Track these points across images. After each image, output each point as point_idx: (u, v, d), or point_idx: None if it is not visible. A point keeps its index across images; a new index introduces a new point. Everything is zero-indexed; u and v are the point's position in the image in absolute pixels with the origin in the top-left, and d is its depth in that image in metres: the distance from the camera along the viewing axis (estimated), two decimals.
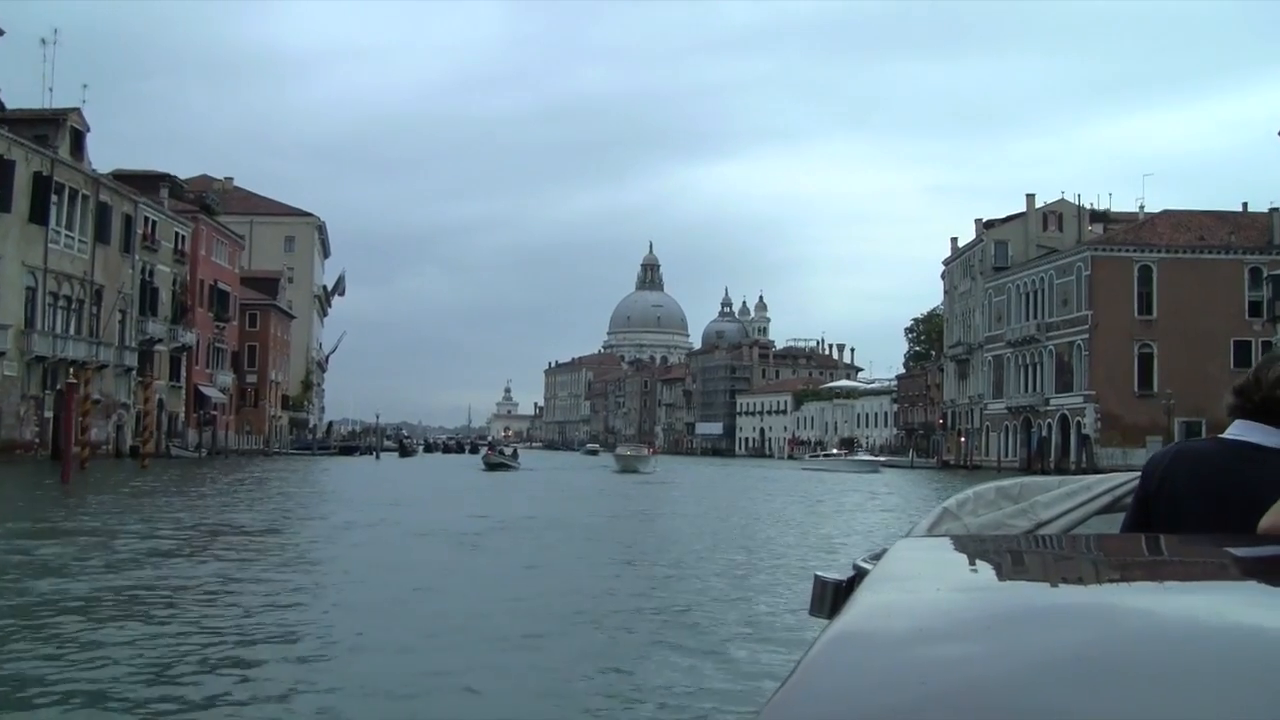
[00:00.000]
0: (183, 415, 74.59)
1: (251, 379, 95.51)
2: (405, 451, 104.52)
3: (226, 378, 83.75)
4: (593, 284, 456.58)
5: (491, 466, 67.42)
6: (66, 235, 57.38)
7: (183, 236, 73.95)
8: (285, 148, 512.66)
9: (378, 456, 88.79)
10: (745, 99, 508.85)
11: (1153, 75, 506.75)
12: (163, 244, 70.25)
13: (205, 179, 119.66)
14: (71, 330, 58.13)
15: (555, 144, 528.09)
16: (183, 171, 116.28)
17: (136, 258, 66.12)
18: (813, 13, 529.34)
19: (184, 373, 74.64)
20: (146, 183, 72.58)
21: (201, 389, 77.52)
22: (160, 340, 69.52)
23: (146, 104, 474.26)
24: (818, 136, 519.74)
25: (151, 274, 68.68)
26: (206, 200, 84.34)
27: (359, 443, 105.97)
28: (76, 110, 58.87)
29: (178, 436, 72.10)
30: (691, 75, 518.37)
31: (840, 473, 76.29)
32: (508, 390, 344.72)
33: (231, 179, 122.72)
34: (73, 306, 58.50)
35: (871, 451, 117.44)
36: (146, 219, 67.98)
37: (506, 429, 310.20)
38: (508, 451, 78.65)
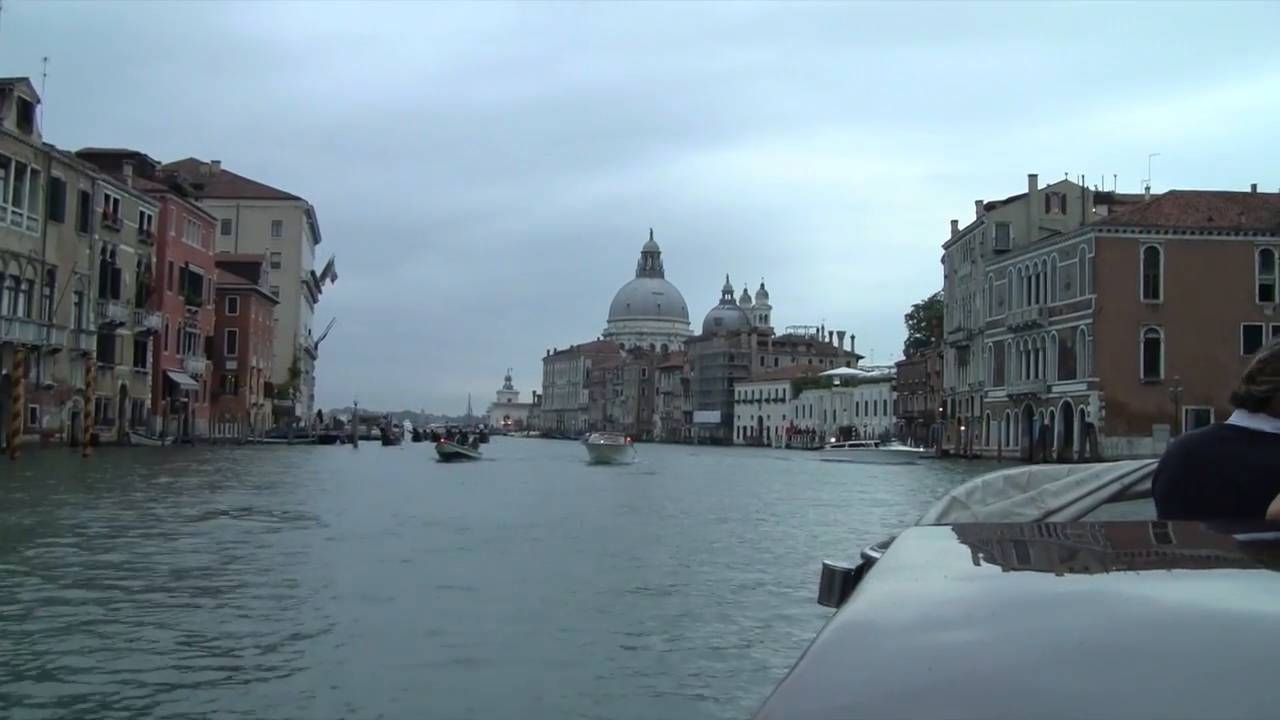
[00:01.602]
0: (148, 402, 71.68)
1: (232, 365, 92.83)
2: (388, 440, 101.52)
3: (199, 364, 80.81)
4: (595, 272, 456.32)
5: (446, 456, 61.40)
6: (14, 212, 54.40)
7: (148, 216, 70.99)
8: (286, 137, 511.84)
9: (355, 445, 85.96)
10: (747, 88, 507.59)
11: (1157, 63, 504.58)
12: (125, 223, 67.30)
13: (192, 162, 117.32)
14: (20, 312, 55.18)
15: (557, 132, 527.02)
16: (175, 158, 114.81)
17: (96, 237, 63.18)
18: (814, 2, 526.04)
19: (150, 358, 71.71)
20: (110, 160, 69.83)
21: (171, 375, 74.63)
22: (123, 324, 66.60)
23: (145, 93, 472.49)
24: (819, 125, 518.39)
25: (113, 254, 65.71)
26: (178, 180, 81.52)
27: (340, 431, 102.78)
28: (24, 80, 55.72)
29: (142, 424, 69.29)
30: (693, 64, 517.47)
31: (871, 465, 67.96)
32: (508, 379, 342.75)
33: (219, 162, 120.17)
34: (21, 287, 55.46)
35: (867, 439, 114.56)
36: (107, 197, 65.05)
37: (506, 417, 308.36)
38: (470, 439, 72.51)
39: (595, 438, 74.26)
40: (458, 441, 68.06)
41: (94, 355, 60.07)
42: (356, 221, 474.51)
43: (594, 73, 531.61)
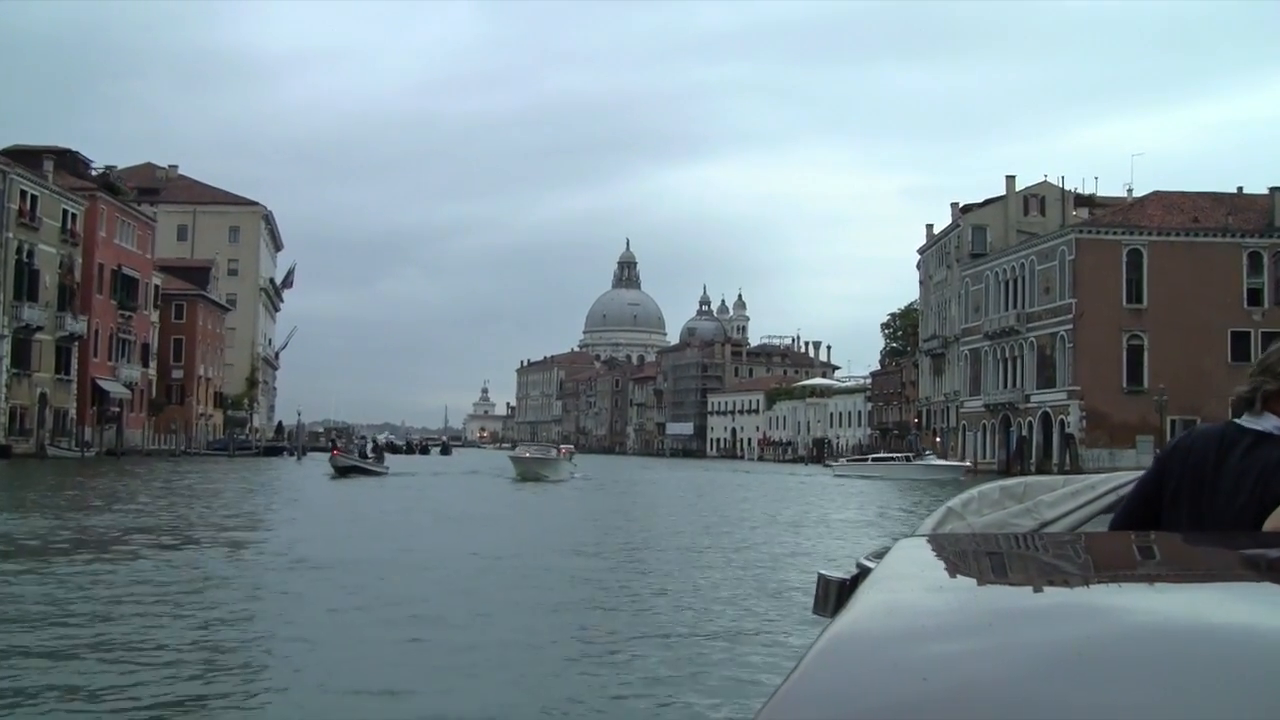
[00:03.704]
0: (73, 412, 67.35)
1: (178, 374, 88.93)
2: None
3: (133, 371, 76.53)
4: (572, 285, 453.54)
5: (340, 471, 53.85)
6: None
7: (73, 215, 66.78)
8: (263, 151, 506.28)
9: (299, 459, 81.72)
10: (722, 102, 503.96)
11: (1133, 78, 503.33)
12: (45, 222, 63.19)
13: (149, 166, 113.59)
14: None
15: (533, 146, 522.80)
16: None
17: (9, 235, 59.20)
18: (788, 16, 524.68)
19: (75, 365, 67.45)
20: (35, 157, 65.82)
21: (100, 383, 70.36)
22: (41, 327, 62.41)
23: (122, 106, 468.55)
24: (795, 139, 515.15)
25: (30, 254, 61.62)
26: (111, 179, 77.41)
27: (289, 444, 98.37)
28: None
29: (64, 436, 65.04)
30: (668, 78, 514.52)
31: (906, 481, 59.06)
32: (485, 390, 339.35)
33: (176, 166, 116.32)
34: None
35: (835, 454, 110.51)
36: (24, 193, 61.01)
37: (482, 429, 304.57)
38: (378, 450, 65.48)
39: (520, 449, 65.84)
40: (359, 454, 60.84)
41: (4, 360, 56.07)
42: (335, 235, 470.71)
43: (570, 87, 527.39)
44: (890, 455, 77.88)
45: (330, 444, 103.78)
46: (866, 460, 78.37)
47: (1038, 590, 1.68)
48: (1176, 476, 2.63)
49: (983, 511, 3.10)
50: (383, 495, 39.75)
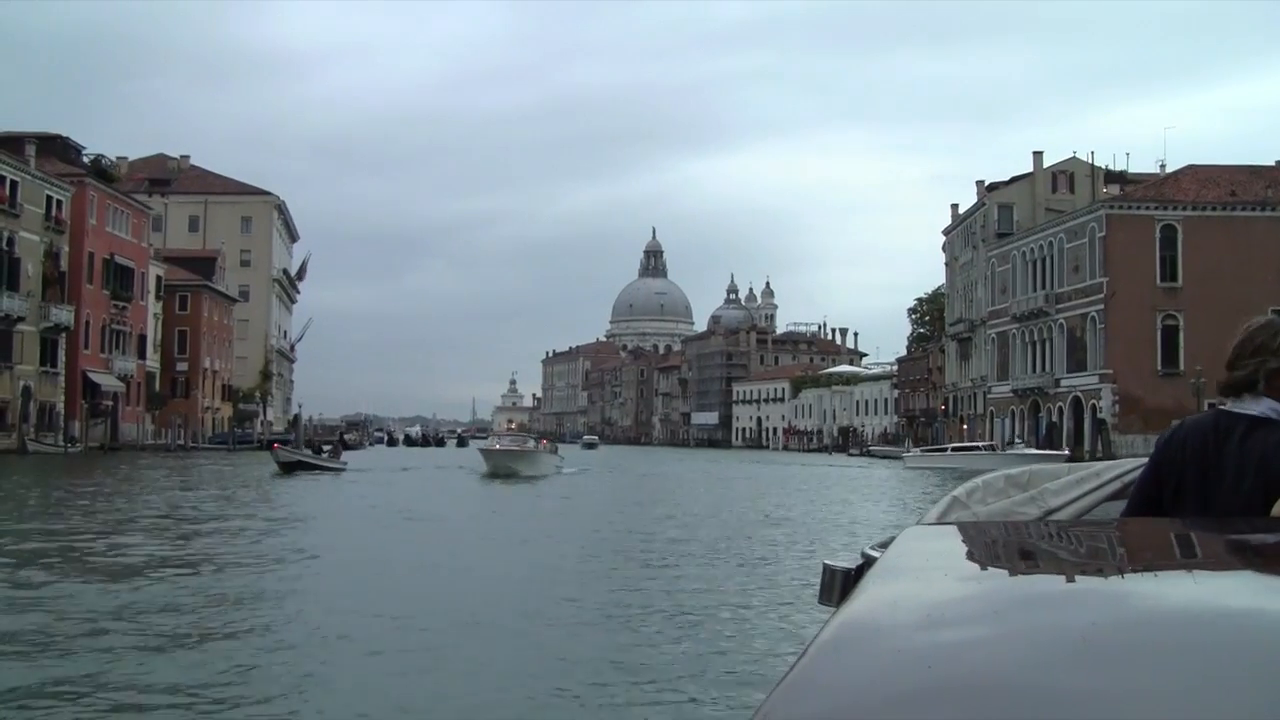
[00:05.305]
0: (60, 405, 64.93)
1: (182, 367, 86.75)
2: (346, 446, 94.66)
3: (128, 363, 74.11)
4: (598, 277, 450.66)
5: (286, 467, 48.74)
6: None
7: (58, 201, 64.35)
8: (287, 146, 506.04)
9: None
10: (744, 92, 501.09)
11: (1157, 61, 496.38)
12: (27, 208, 60.79)
13: (161, 157, 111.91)
14: None
15: (558, 139, 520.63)
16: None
17: None
18: (810, 6, 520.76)
19: (63, 357, 65.06)
20: (14, 143, 63.47)
21: (91, 376, 67.96)
22: (23, 318, 60.03)
23: (143, 104, 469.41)
24: (819, 128, 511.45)
25: (10, 242, 59.23)
26: (102, 165, 75.07)
27: (294, 438, 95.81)
28: None
29: (50, 431, 62.62)
30: (692, 69, 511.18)
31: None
32: (513, 382, 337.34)
33: (187, 157, 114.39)
34: None
35: (862, 442, 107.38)
36: (3, 179, 58.66)
37: (510, 421, 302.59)
38: (331, 445, 60.45)
39: (491, 440, 59.95)
40: (292, 448, 56.56)
41: None
42: (360, 229, 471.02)
43: (593, 79, 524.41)
44: (973, 445, 71.69)
45: (339, 437, 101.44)
46: (945, 451, 71.63)
47: (1043, 578, 1.67)
48: (1177, 469, 2.61)
49: (988, 500, 3.07)
50: (306, 497, 34.92)
